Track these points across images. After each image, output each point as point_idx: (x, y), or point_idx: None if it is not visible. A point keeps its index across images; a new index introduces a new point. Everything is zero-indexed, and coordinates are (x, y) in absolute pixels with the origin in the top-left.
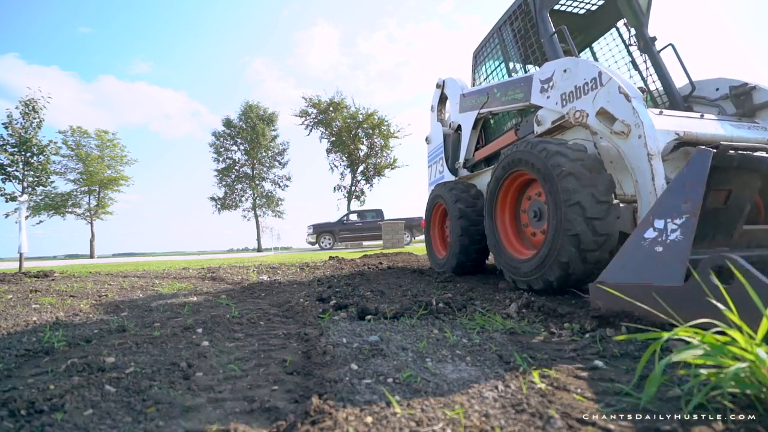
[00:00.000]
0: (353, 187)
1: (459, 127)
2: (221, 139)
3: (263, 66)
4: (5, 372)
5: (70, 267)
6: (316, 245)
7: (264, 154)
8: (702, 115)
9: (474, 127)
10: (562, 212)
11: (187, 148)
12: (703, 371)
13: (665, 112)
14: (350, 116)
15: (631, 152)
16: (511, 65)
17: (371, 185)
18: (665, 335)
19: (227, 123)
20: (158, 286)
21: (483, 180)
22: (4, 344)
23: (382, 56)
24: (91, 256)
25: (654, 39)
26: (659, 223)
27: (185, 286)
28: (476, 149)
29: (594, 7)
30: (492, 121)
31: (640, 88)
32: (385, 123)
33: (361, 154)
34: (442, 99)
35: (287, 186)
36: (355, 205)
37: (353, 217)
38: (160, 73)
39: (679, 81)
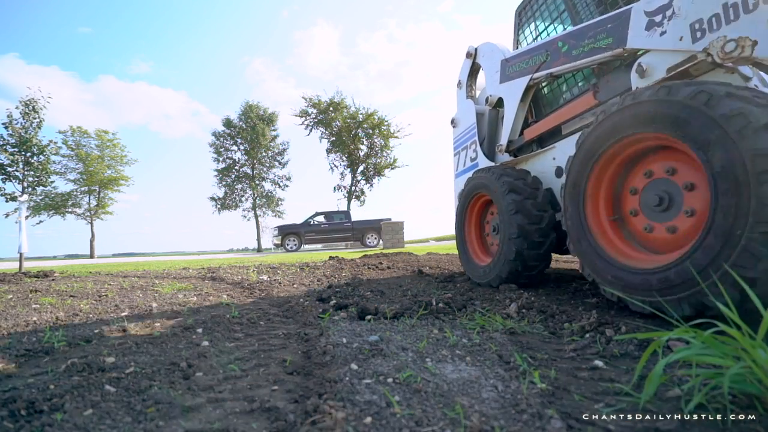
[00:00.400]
0: (353, 187)
1: (499, 102)
2: (221, 139)
3: (263, 66)
4: (5, 372)
5: (70, 267)
6: (281, 247)
7: (264, 154)
8: None
9: (523, 98)
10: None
11: (187, 148)
12: (703, 371)
13: None
14: (350, 116)
15: None
16: (578, 13)
17: (371, 185)
18: (665, 335)
19: (227, 123)
20: (158, 286)
21: (538, 164)
22: (4, 344)
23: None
24: (91, 256)
25: None
26: None
27: (185, 286)
28: (524, 127)
29: None
30: (546, 90)
31: None
32: (385, 123)
33: (361, 154)
34: (474, 71)
35: (287, 186)
36: (355, 205)
37: (320, 219)
38: (160, 73)
39: None
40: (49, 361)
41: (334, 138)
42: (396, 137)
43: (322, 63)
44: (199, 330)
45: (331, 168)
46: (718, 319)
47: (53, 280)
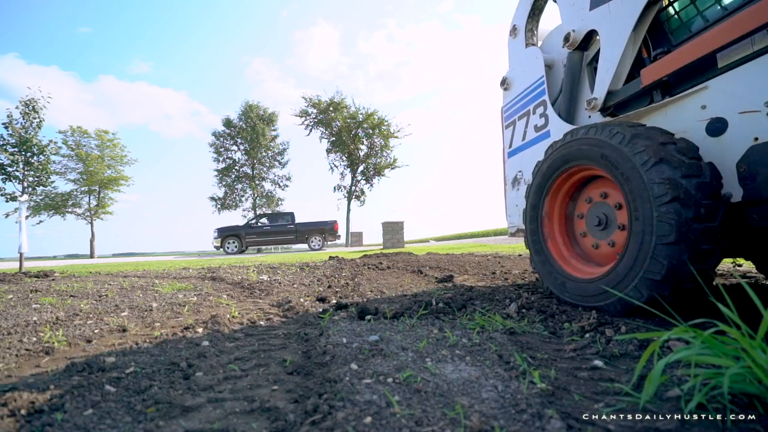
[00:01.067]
0: (353, 187)
1: (581, 43)
2: (221, 139)
3: (263, 66)
4: (5, 372)
5: (70, 267)
6: (221, 249)
7: (264, 154)
8: None
9: (638, 24)
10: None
11: (187, 148)
12: (703, 371)
13: None
14: (350, 116)
15: None
16: None
17: (371, 185)
18: (665, 335)
19: (227, 123)
20: (158, 286)
21: (671, 120)
22: (4, 344)
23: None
24: (91, 256)
25: None
26: None
27: (185, 286)
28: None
29: None
30: (675, 12)
31: None
32: (385, 123)
33: (361, 154)
34: (536, 10)
35: (287, 186)
36: (354, 205)
37: (263, 221)
38: (160, 73)
39: None
40: (49, 361)
41: (334, 138)
42: (396, 137)
43: (322, 63)
44: (199, 330)
45: (331, 168)
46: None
47: (53, 280)
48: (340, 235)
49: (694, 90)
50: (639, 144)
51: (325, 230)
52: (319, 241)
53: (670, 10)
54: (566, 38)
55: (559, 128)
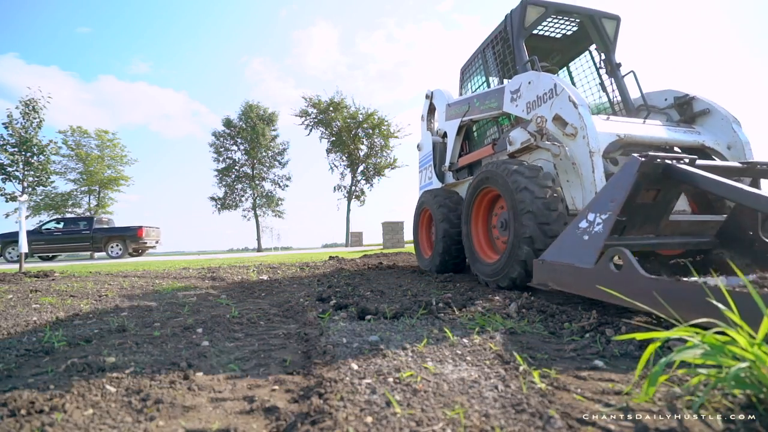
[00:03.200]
0: (353, 187)
1: (445, 134)
2: (221, 139)
3: (262, 66)
4: (5, 372)
5: (70, 267)
6: (1, 257)
7: (264, 154)
8: (644, 121)
9: (458, 133)
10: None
11: (187, 148)
12: (703, 371)
13: (612, 118)
14: (350, 116)
15: (577, 150)
16: (491, 80)
17: (371, 185)
18: (665, 335)
19: (227, 123)
20: (158, 286)
21: (465, 187)
22: (4, 344)
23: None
24: (91, 256)
25: (619, 65)
26: (591, 216)
27: (185, 286)
28: (460, 156)
29: (569, 32)
30: (474, 131)
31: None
32: (385, 123)
33: (361, 154)
34: (431, 109)
35: (287, 186)
36: (354, 205)
37: (53, 225)
38: (160, 73)
39: (640, 92)
40: (49, 361)
41: (334, 138)
42: (396, 137)
43: (321, 63)
44: (199, 330)
45: (331, 168)
46: (516, 288)
47: (53, 280)
48: (146, 242)
49: (471, 177)
50: (437, 196)
51: (127, 237)
52: (120, 248)
53: (473, 131)
54: (437, 132)
55: (437, 181)
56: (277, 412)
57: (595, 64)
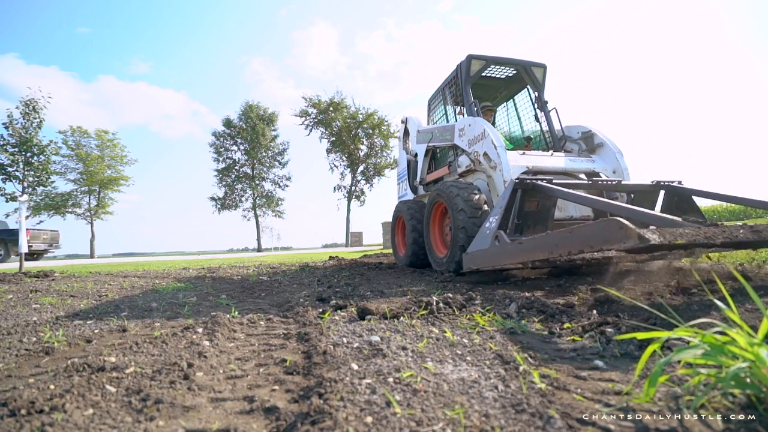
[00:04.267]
0: (353, 187)
1: (416, 155)
2: (221, 139)
3: (262, 66)
4: (5, 372)
5: (70, 267)
6: None
7: (264, 154)
8: (552, 153)
9: (425, 155)
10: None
11: (187, 148)
12: (703, 371)
13: (527, 153)
14: (350, 116)
15: (497, 179)
16: (449, 113)
17: (371, 185)
18: (665, 335)
19: (227, 123)
20: (158, 286)
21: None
22: (4, 344)
23: (381, 56)
24: (91, 256)
25: (546, 102)
26: (491, 218)
27: (185, 286)
28: (428, 173)
29: (510, 74)
30: (438, 153)
31: (527, 138)
32: (385, 123)
33: (361, 154)
34: (406, 132)
35: (287, 186)
36: (354, 205)
37: None
38: (160, 73)
39: (560, 126)
40: (49, 361)
41: (334, 138)
42: (396, 137)
43: (321, 63)
44: (199, 330)
45: (331, 168)
46: (458, 273)
47: (53, 280)
48: (32, 245)
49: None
50: (410, 208)
51: (8, 240)
52: (0, 252)
53: (437, 153)
54: (410, 152)
55: (410, 193)
56: (277, 412)
57: (531, 100)
